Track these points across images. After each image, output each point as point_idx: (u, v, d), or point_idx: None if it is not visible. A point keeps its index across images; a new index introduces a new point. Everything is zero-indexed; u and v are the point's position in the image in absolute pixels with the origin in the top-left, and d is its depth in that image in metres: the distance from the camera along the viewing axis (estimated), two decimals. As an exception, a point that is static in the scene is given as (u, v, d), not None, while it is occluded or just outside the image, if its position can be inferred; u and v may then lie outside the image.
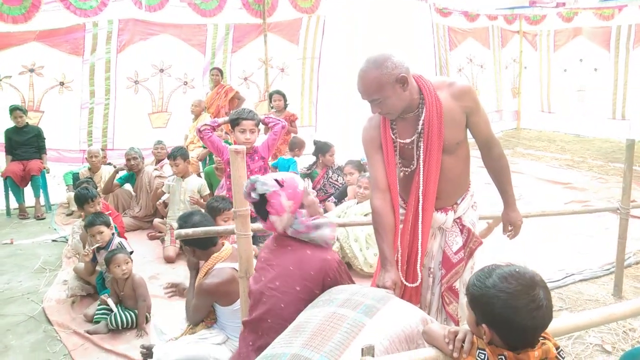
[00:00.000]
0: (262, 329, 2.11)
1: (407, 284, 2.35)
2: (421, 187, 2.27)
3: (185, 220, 2.83)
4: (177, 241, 4.84)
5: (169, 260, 4.73)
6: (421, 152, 2.25)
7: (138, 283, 3.62)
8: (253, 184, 2.06)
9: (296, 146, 5.86)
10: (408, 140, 2.26)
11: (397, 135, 2.29)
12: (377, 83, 2.07)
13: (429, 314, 2.43)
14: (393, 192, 2.31)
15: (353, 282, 2.13)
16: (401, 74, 2.08)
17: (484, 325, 1.47)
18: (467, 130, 2.34)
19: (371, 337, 1.66)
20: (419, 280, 2.35)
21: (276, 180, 2.07)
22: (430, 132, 2.21)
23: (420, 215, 2.29)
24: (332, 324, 1.71)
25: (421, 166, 2.26)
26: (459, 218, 2.42)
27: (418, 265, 2.33)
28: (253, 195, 2.05)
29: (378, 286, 2.17)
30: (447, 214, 2.38)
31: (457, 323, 2.45)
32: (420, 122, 2.21)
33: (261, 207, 2.07)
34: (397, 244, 2.34)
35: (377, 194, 2.32)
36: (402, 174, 2.38)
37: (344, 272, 2.12)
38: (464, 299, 2.44)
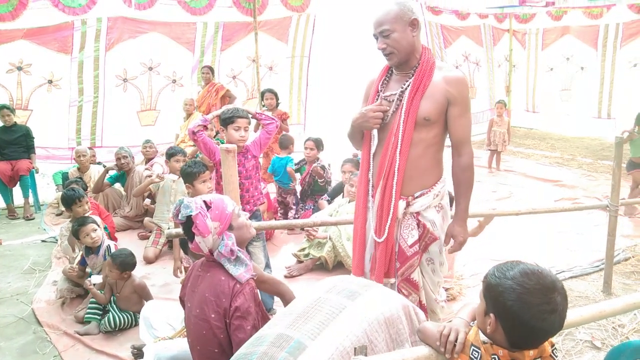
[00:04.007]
0: (196, 355, 2.13)
1: (376, 239, 2.41)
2: (398, 134, 2.34)
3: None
4: (159, 242, 4.82)
5: (148, 262, 4.66)
6: (400, 111, 2.33)
7: (141, 286, 3.60)
8: (178, 207, 2.06)
9: (287, 144, 5.87)
10: (388, 93, 2.40)
11: (384, 89, 2.45)
12: (393, 14, 2.28)
13: None
14: (366, 139, 2.52)
15: (266, 319, 2.07)
16: (415, 17, 2.31)
17: (491, 315, 1.45)
18: (445, 126, 2.37)
19: (350, 318, 1.73)
20: (385, 235, 2.37)
21: (204, 202, 2.07)
22: (411, 92, 2.31)
23: (398, 159, 2.32)
24: (316, 307, 1.80)
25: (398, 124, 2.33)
26: (417, 213, 2.40)
27: (389, 217, 2.35)
28: (179, 217, 2.04)
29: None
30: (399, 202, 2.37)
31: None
32: (407, 82, 2.34)
33: (188, 228, 2.06)
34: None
35: None
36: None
37: (254, 310, 2.05)
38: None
